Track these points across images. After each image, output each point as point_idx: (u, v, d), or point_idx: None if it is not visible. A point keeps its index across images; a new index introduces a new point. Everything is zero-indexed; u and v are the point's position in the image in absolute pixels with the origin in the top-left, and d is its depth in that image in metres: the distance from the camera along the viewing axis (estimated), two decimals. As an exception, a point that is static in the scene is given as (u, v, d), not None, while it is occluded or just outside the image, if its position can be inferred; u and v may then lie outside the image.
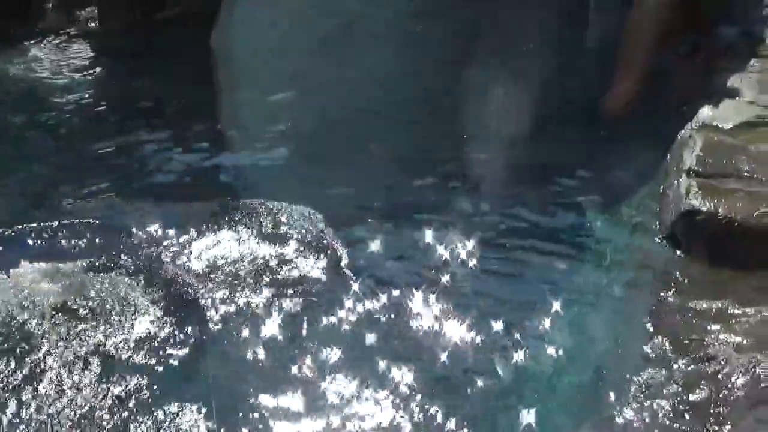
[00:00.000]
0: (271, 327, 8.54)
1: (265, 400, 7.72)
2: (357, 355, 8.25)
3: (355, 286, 9.08)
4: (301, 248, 9.56)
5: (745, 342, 7.76)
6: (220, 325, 8.59)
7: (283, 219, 9.97)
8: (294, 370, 8.03)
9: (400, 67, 12.35)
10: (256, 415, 7.60)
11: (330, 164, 11.38)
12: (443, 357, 8.26)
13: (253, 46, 13.00)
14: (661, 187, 10.12)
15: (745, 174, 9.45)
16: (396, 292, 8.96)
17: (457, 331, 8.56)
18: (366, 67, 12.41)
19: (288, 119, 12.38)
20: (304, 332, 8.47)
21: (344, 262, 9.44)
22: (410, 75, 12.40)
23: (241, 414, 7.56)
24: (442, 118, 11.98)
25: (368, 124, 12.01)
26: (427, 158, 11.36)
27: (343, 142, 11.75)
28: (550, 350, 8.45)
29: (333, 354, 8.18)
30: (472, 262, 9.61)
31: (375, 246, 9.78)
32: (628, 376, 7.84)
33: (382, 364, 8.09)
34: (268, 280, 9.17)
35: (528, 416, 7.69)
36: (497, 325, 8.67)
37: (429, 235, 9.87)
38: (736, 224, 8.90)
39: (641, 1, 12.16)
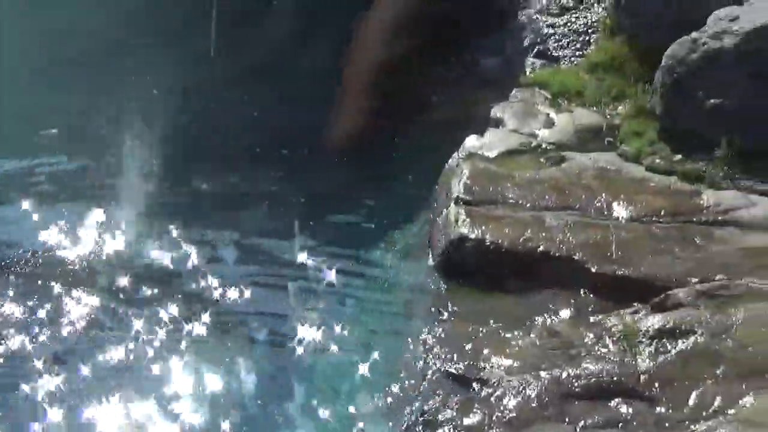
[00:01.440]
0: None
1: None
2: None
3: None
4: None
5: (515, 364, 8.03)
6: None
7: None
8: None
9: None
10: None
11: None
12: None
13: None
14: (431, 215, 10.41)
15: (511, 200, 9.88)
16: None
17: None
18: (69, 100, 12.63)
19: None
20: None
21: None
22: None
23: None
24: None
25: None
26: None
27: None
28: (329, 383, 8.58)
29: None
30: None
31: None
32: (405, 404, 7.98)
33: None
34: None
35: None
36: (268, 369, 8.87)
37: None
38: (503, 250, 9.27)
39: (361, 35, 12.56)
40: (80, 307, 9.39)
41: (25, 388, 8.47)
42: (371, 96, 12.30)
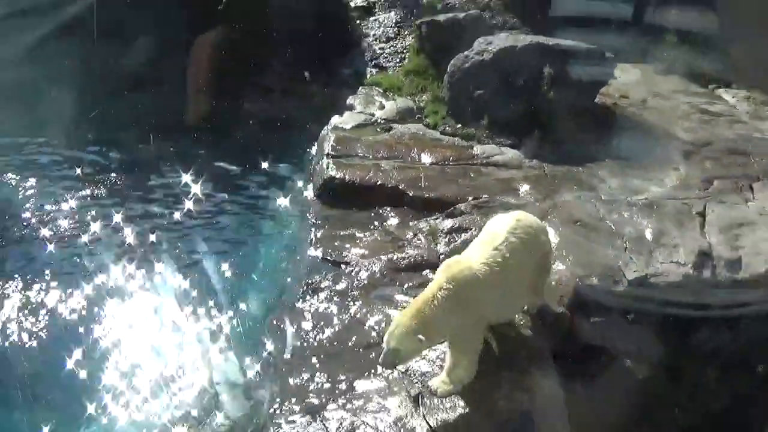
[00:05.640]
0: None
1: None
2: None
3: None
4: None
5: (365, 252, 8.49)
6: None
7: None
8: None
9: None
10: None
11: None
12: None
13: None
14: (312, 165, 10.58)
15: (360, 154, 10.23)
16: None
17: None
18: None
19: None
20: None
21: None
22: None
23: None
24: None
25: None
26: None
27: None
28: (242, 270, 8.56)
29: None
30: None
31: None
32: (297, 280, 8.17)
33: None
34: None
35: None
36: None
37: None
38: (356, 184, 9.64)
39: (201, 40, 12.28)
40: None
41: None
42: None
